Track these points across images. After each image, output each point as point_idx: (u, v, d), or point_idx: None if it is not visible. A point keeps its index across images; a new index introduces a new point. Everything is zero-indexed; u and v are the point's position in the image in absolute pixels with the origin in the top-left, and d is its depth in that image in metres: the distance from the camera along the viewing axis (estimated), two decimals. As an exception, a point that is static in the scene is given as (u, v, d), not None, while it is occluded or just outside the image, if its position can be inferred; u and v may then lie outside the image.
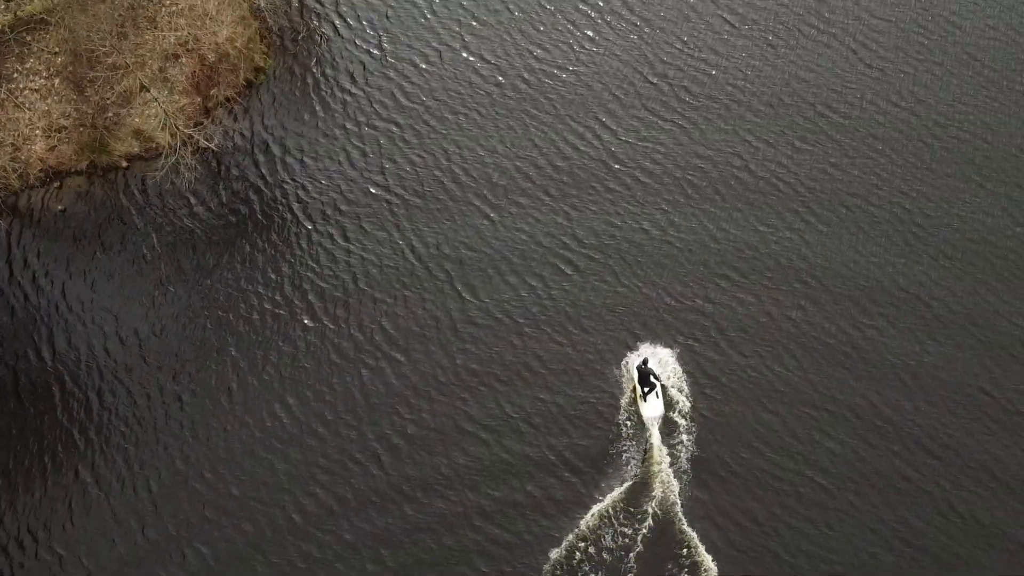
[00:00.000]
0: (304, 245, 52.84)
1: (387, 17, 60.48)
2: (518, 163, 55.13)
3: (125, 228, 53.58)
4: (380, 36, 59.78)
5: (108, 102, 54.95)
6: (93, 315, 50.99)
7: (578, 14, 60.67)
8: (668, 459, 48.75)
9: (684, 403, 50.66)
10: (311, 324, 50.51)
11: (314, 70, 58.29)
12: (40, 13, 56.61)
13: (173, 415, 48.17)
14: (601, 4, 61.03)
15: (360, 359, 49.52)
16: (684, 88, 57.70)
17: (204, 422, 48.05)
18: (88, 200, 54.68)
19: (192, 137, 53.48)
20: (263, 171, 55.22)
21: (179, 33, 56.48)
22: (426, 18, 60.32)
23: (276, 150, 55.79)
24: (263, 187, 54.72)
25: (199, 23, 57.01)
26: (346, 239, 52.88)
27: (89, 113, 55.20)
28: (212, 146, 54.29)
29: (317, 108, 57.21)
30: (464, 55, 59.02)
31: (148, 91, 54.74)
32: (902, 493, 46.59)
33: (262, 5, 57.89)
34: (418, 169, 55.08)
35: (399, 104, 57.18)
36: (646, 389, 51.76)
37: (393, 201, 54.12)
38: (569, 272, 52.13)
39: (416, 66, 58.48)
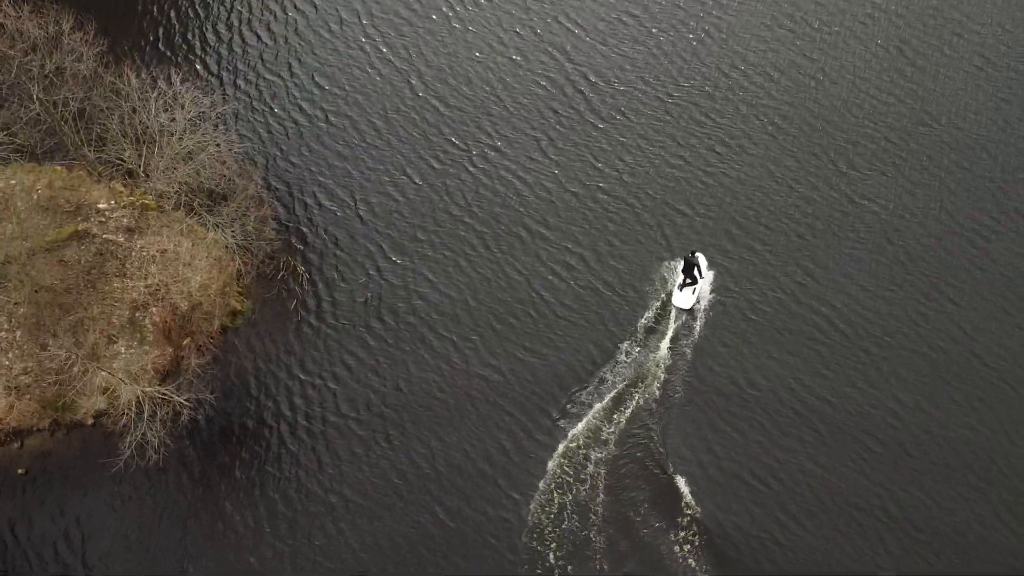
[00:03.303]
0: (284, 509, 51.50)
1: (364, 256, 60.30)
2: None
3: (91, 493, 52.23)
4: (356, 274, 59.40)
5: (73, 356, 54.16)
6: (57, 589, 49.37)
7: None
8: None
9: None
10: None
11: (293, 311, 57.60)
12: (1, 261, 56.24)
13: None
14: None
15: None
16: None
17: None
18: (51, 462, 53.34)
19: (164, 396, 52.56)
20: (238, 428, 54.06)
21: (149, 281, 56.12)
22: (405, 251, 60.33)
23: (251, 406, 54.65)
24: (238, 446, 53.48)
25: (171, 269, 56.72)
26: (334, 518, 51.62)
27: (53, 368, 54.38)
28: (183, 401, 53.35)
29: (297, 352, 56.25)
30: (447, 282, 58.97)
31: (115, 343, 54.06)
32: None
33: (237, 246, 57.66)
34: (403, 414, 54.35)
35: (381, 349, 56.50)
36: (687, 280, 53.20)
37: (383, 457, 53.22)
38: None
39: (395, 308, 57.89)
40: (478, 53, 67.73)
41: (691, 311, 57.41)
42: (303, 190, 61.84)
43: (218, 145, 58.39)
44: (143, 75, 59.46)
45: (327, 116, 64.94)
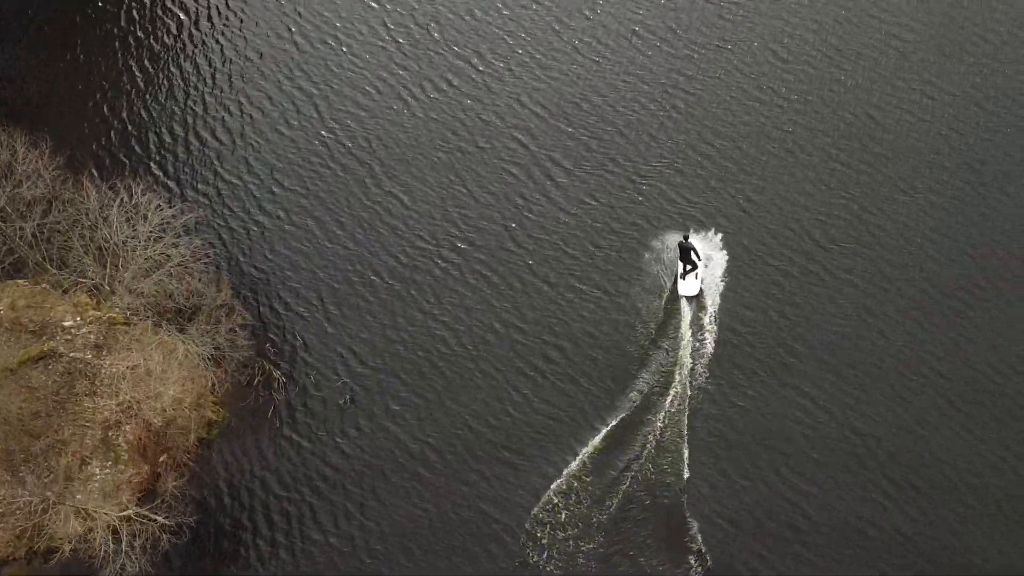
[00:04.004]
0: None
1: (337, 359, 59.85)
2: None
3: (71, 627, 51.50)
4: (331, 377, 59.05)
5: (46, 481, 53.57)
6: None
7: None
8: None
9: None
10: None
11: (271, 417, 57.21)
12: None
13: None
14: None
15: None
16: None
17: None
18: (29, 592, 52.66)
19: (142, 519, 52.00)
20: (217, 547, 53.41)
21: (121, 398, 55.58)
22: (379, 352, 59.93)
23: (230, 525, 54.01)
24: (220, 565, 53.08)
25: (142, 385, 56.16)
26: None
27: (26, 495, 53.72)
28: (163, 522, 52.82)
29: (275, 464, 55.65)
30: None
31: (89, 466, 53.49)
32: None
33: (209, 356, 57.24)
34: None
35: (360, 458, 56.08)
36: (687, 267, 53.79)
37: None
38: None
39: (372, 413, 57.48)
40: (441, 141, 67.55)
41: (699, 296, 58.67)
42: (272, 294, 61.58)
43: (183, 255, 57.91)
44: (103, 188, 58.96)
45: (290, 216, 64.62)
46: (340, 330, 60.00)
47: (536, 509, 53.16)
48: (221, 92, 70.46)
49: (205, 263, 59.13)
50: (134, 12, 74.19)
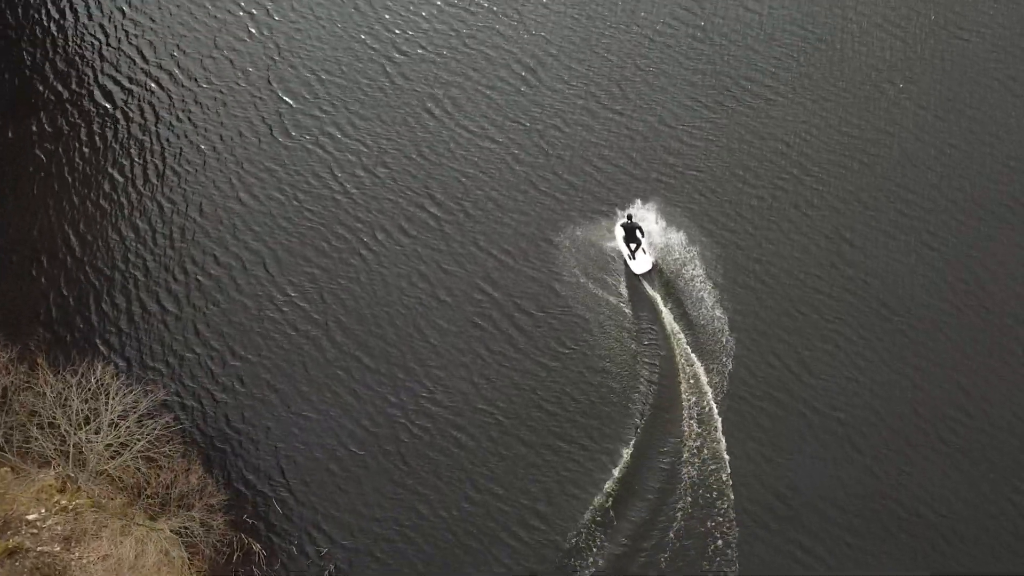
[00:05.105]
0: None
1: (315, 531, 59.28)
2: None
3: None
4: (312, 548, 58.47)
5: None
6: None
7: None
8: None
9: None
10: None
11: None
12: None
13: None
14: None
15: None
16: None
17: None
18: None
19: None
20: None
21: (93, 591, 54.54)
22: (357, 522, 59.20)
23: None
24: None
25: (114, 573, 55.22)
26: None
27: None
28: None
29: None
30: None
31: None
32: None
33: (185, 537, 56.38)
34: None
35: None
36: (632, 246, 58.76)
37: None
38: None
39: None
40: (400, 294, 66.73)
41: (653, 271, 63.30)
42: (242, 468, 60.83)
43: (147, 437, 57.09)
44: (61, 370, 57.93)
45: (249, 388, 63.56)
46: (315, 499, 59.51)
47: None
48: (163, 254, 69.04)
49: (174, 442, 58.07)
50: (66, 174, 72.91)
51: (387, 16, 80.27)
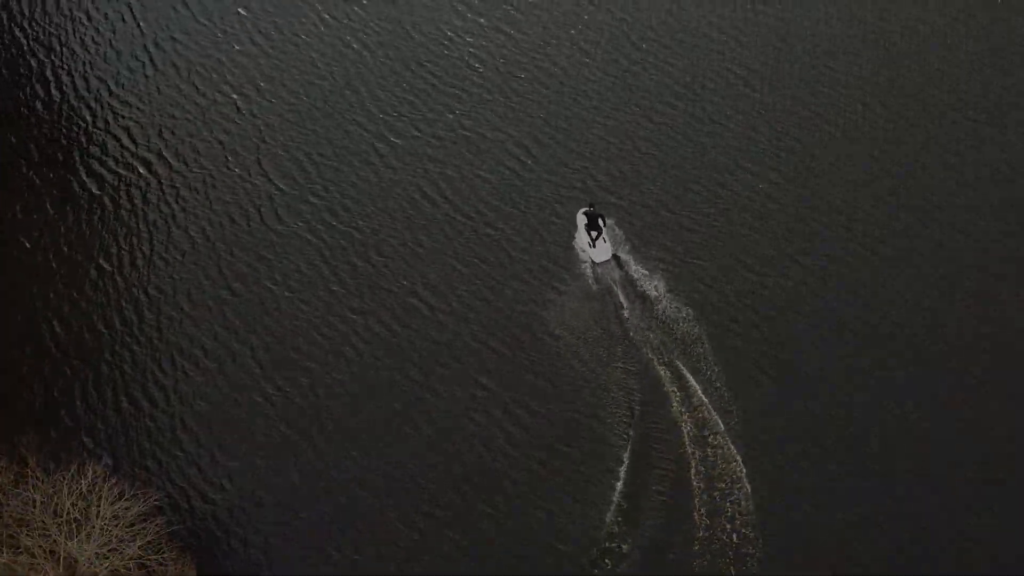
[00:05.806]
0: None
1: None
2: None
3: None
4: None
5: None
6: None
7: None
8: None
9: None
10: None
11: None
12: None
13: None
14: None
15: None
16: None
17: None
18: None
19: None
20: None
21: None
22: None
23: None
24: None
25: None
26: None
27: None
28: None
29: None
30: None
31: None
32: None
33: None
34: None
35: None
36: (594, 234, 62.39)
37: None
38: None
39: None
40: (394, 389, 65.42)
41: (614, 259, 64.89)
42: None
43: (140, 543, 56.36)
44: (51, 473, 56.90)
45: (239, 490, 62.34)
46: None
47: None
48: (151, 345, 67.79)
49: (161, 552, 56.84)
50: (51, 260, 71.84)
51: (381, 95, 79.33)
